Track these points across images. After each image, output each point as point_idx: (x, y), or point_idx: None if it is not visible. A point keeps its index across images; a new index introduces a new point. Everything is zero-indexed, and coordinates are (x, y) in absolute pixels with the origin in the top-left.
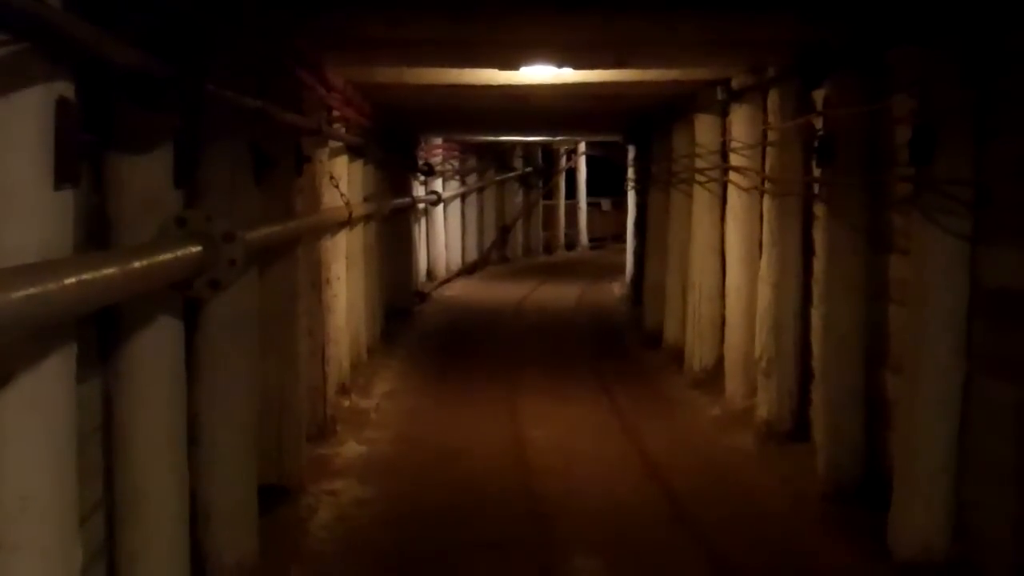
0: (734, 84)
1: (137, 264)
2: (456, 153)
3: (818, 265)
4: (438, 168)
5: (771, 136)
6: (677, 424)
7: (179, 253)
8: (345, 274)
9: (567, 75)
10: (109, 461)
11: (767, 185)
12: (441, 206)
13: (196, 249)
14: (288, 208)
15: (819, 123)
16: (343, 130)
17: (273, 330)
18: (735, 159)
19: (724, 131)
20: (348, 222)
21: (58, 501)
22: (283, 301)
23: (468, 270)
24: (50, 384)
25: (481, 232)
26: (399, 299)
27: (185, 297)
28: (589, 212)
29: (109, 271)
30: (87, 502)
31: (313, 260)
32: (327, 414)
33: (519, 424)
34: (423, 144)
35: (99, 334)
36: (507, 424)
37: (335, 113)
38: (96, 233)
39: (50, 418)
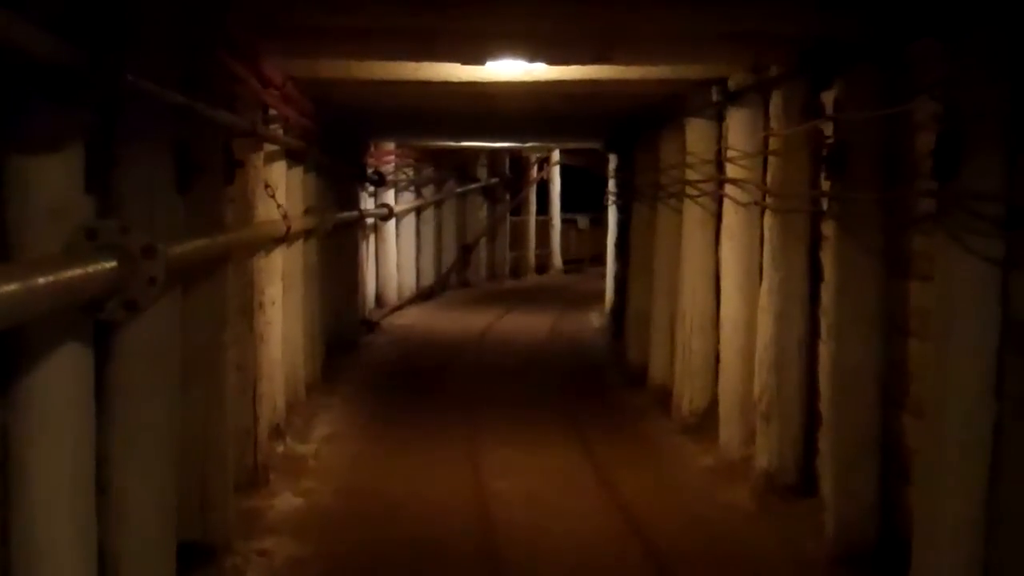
0: (731, 84)
1: (40, 280)
2: (411, 161)
3: (827, 293)
4: (390, 178)
5: (773, 144)
6: (663, 475)
7: (90, 269)
8: (281, 298)
9: (539, 72)
10: (3, 509)
11: (768, 200)
12: (393, 221)
13: (109, 264)
14: (217, 220)
15: (828, 129)
16: (281, 132)
17: (197, 362)
18: (732, 170)
19: (719, 138)
20: (285, 238)
21: None
22: (209, 328)
23: (423, 296)
24: None
25: (439, 252)
26: (343, 329)
27: (96, 320)
28: (563, 230)
29: (8, 288)
30: None
31: (244, 281)
32: (258, 460)
33: (481, 474)
34: (373, 150)
35: None
36: (467, 474)
37: (272, 112)
38: None
39: None
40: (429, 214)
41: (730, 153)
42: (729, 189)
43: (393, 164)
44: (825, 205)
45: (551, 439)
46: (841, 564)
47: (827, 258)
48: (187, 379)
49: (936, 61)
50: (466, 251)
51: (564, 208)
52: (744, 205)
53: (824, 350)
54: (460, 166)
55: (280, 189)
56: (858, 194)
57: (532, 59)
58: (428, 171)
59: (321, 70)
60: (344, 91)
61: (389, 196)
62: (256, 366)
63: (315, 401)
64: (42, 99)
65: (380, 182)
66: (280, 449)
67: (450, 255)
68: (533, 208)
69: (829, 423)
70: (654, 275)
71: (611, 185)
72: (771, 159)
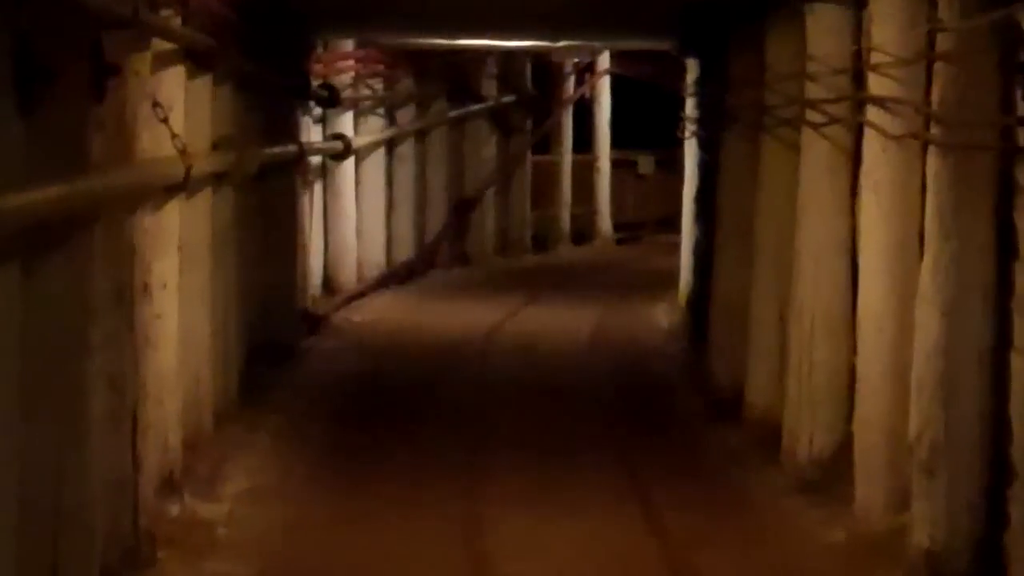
0: None
1: None
2: (379, 69)
3: (1023, 275)
4: (346, 95)
5: (943, 43)
6: (768, 557)
7: None
8: (177, 279)
9: None
10: None
11: (934, 131)
12: (351, 161)
13: None
14: (77, 156)
15: None
16: (178, 21)
17: (45, 376)
18: (877, 84)
19: (858, 34)
20: (184, 185)
21: None
22: (64, 324)
23: (398, 277)
24: None
25: (421, 210)
26: (274, 327)
27: None
28: (616, 177)
29: None
30: None
31: (121, 252)
32: (140, 527)
33: (485, 554)
34: (321, 52)
35: None
36: (464, 555)
37: None
38: None
39: None
40: (407, 151)
41: (875, 58)
42: (873, 114)
43: (352, 74)
44: (1023, 139)
45: (594, 501)
46: None
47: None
48: (30, 402)
49: None
50: (464, 209)
51: (617, 143)
52: (896, 139)
53: (1019, 364)
54: (456, 78)
55: (177, 110)
56: None
57: None
58: (406, 85)
59: None
60: None
61: (346, 123)
62: (139, 383)
63: (229, 437)
64: None
65: (332, 101)
66: (174, 510)
67: (439, 215)
68: (568, 142)
69: None
70: (755, 247)
71: (689, 107)
72: (939, 68)
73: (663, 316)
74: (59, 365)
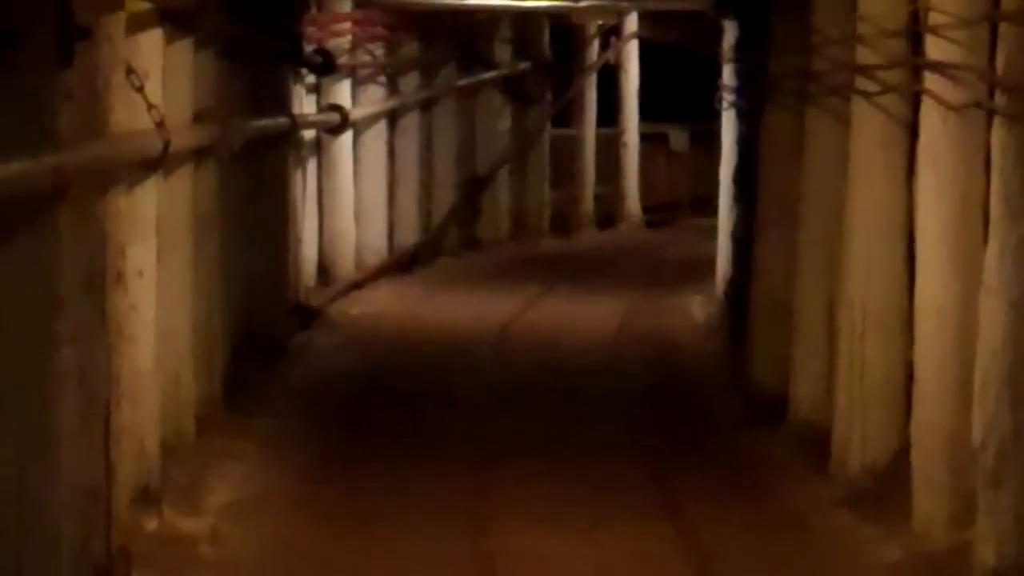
0: None
1: None
2: (380, 31)
3: None
4: (343, 61)
5: (1009, 2)
6: None
7: None
8: (155, 266)
9: None
10: None
11: (1001, 100)
12: (349, 135)
13: None
14: (43, 129)
15: None
16: None
17: (6, 373)
18: (936, 47)
19: None
20: (162, 161)
21: None
22: (26, 317)
23: (401, 265)
24: None
25: (427, 189)
26: (263, 320)
27: None
28: (645, 153)
29: None
30: None
31: (91, 235)
32: (113, 544)
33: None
34: (315, 13)
35: None
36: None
37: None
38: None
39: None
40: (411, 124)
41: (933, 19)
42: (931, 81)
43: (350, 38)
44: None
45: (622, 518)
46: None
47: None
48: None
49: None
50: (474, 188)
51: (646, 115)
52: (957, 109)
53: None
54: (466, 42)
55: (154, 78)
56: None
57: None
58: (410, 50)
59: None
60: None
61: (342, 92)
62: (111, 382)
63: (212, 444)
64: None
65: (327, 68)
66: (152, 525)
67: (447, 195)
68: (592, 114)
69: None
70: (801, 231)
71: (727, 75)
72: (1005, 30)
73: (698, 309)
74: (22, 362)
